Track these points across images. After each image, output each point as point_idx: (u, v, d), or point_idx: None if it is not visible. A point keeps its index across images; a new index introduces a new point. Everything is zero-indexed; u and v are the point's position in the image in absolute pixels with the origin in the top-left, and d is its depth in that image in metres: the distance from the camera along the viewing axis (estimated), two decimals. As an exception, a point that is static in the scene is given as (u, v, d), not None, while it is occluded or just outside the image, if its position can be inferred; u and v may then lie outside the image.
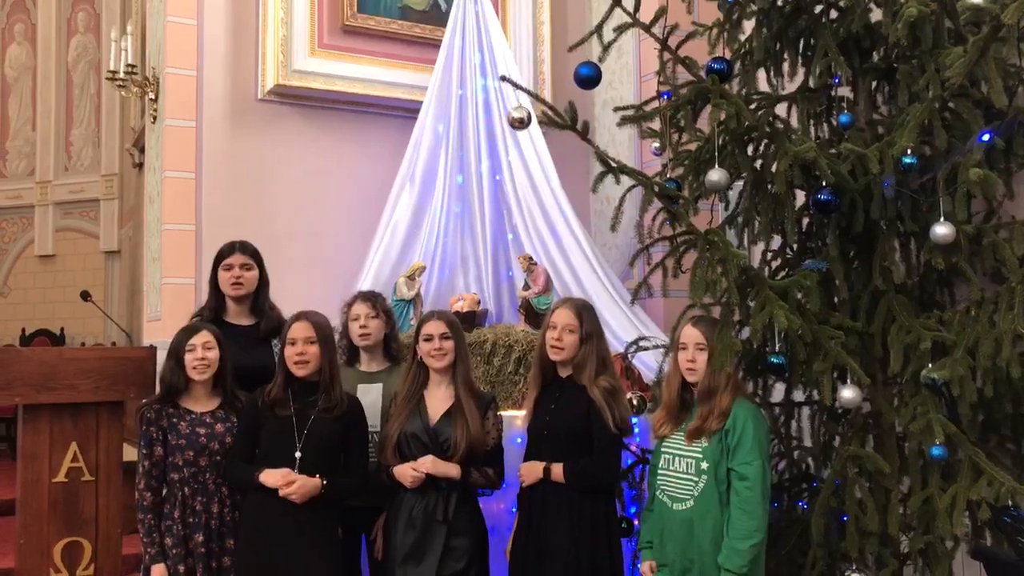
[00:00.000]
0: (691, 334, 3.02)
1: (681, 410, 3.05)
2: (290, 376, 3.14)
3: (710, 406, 2.93)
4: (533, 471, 3.14)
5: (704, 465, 2.91)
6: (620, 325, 4.75)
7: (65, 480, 3.35)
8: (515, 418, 3.68)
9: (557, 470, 3.09)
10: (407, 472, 3.10)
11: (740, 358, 3.13)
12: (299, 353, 3.11)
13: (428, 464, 3.10)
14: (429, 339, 3.22)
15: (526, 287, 4.67)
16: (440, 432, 3.15)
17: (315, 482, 3.03)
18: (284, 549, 3.01)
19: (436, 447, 3.14)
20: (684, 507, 2.94)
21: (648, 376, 4.17)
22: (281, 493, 2.99)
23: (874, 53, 3.32)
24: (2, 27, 9.94)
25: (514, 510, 3.36)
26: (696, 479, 2.92)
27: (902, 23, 2.86)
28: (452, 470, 3.11)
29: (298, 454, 3.06)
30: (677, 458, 2.99)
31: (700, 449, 2.93)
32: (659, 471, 3.05)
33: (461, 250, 5.03)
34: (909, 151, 2.80)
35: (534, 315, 4.51)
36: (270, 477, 3.02)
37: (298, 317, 3.18)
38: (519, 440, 3.45)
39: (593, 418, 3.10)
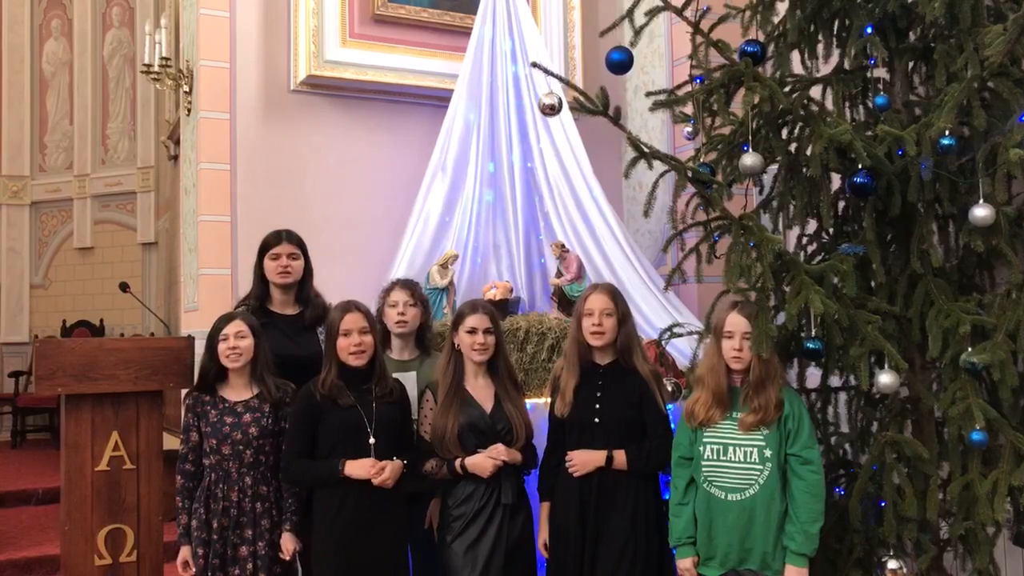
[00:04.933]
0: (738, 322, 2.92)
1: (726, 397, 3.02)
2: (342, 366, 3.17)
3: (766, 396, 2.88)
4: (592, 459, 3.12)
5: (768, 452, 2.88)
6: (653, 311, 4.73)
7: (107, 468, 3.41)
8: (546, 404, 3.67)
9: (620, 457, 3.10)
10: (487, 463, 3.12)
11: (776, 344, 3.10)
12: (357, 344, 3.15)
13: (504, 452, 3.15)
14: (472, 332, 3.22)
15: (558, 274, 4.67)
16: (497, 421, 3.19)
17: (398, 464, 3.12)
18: (372, 536, 3.07)
19: (495, 435, 3.18)
20: (742, 496, 2.89)
21: (682, 363, 4.15)
22: (376, 482, 3.05)
23: (911, 33, 3.27)
24: (39, 23, 10.07)
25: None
26: (761, 467, 2.88)
27: (939, 2, 2.81)
28: (518, 456, 3.20)
29: (372, 440, 3.11)
30: (732, 447, 2.93)
31: (762, 436, 2.89)
32: (704, 461, 2.97)
33: (493, 238, 5.03)
34: (947, 132, 2.75)
35: (567, 302, 4.50)
36: (358, 469, 3.06)
37: (347, 308, 3.20)
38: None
39: (646, 401, 3.15)
